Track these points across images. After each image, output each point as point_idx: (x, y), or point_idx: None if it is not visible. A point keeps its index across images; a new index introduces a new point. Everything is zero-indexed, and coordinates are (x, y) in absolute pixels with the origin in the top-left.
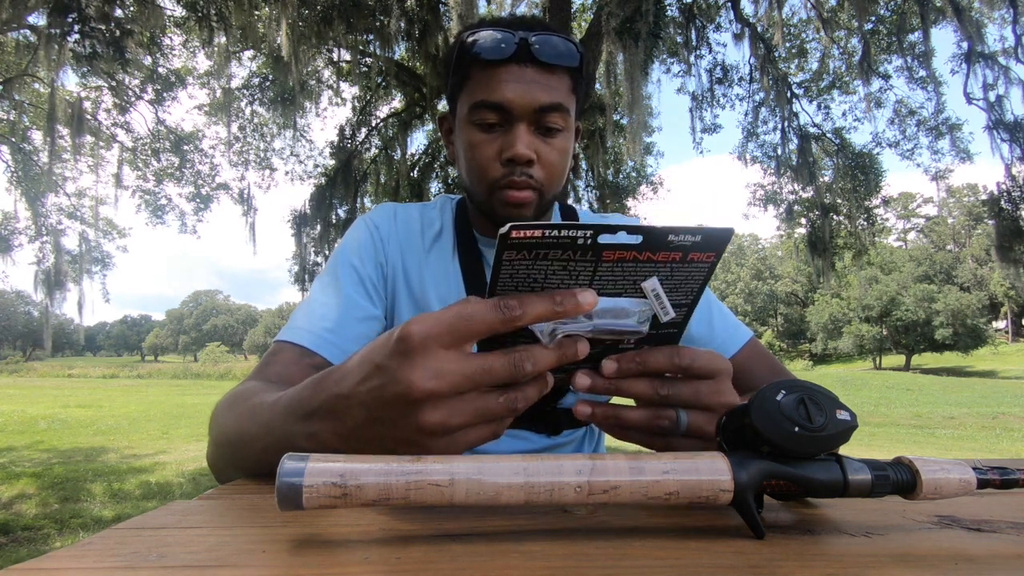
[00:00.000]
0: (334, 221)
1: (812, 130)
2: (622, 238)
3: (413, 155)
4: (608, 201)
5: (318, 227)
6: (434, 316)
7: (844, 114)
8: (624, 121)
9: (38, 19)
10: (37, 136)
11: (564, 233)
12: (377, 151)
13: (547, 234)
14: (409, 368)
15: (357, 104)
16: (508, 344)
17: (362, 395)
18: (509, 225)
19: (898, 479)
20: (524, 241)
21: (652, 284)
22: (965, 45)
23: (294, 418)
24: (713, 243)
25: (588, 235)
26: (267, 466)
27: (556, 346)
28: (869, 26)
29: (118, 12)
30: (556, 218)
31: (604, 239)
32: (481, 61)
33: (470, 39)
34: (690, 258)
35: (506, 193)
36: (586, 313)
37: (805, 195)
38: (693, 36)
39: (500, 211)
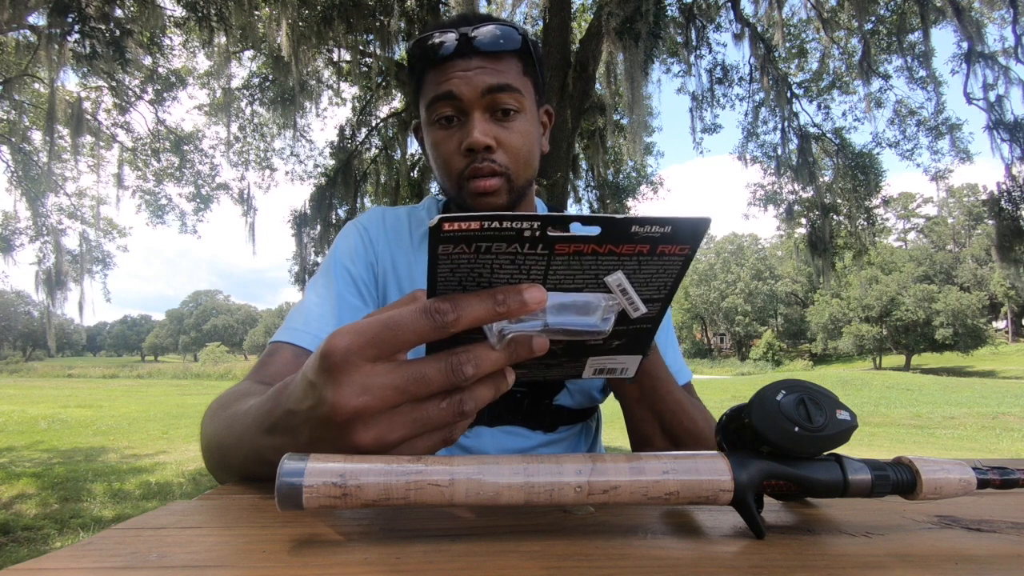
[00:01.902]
0: (334, 221)
1: (812, 130)
2: (578, 230)
3: (413, 155)
4: (608, 201)
5: (318, 227)
6: (357, 328)
7: (844, 114)
8: (624, 121)
9: (38, 19)
10: (37, 136)
11: (507, 224)
12: (377, 151)
13: (486, 226)
14: (334, 387)
15: (357, 104)
16: (462, 342)
17: (304, 414)
18: (439, 217)
19: (898, 479)
20: (460, 234)
21: (617, 278)
22: (965, 45)
23: (259, 431)
24: (687, 234)
25: (535, 226)
26: (248, 473)
27: (507, 344)
28: (869, 26)
29: (118, 12)
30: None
31: (556, 231)
32: (429, 63)
33: (416, 46)
34: (660, 251)
35: (473, 183)
36: (536, 311)
37: (805, 195)
38: (693, 36)
39: (472, 202)
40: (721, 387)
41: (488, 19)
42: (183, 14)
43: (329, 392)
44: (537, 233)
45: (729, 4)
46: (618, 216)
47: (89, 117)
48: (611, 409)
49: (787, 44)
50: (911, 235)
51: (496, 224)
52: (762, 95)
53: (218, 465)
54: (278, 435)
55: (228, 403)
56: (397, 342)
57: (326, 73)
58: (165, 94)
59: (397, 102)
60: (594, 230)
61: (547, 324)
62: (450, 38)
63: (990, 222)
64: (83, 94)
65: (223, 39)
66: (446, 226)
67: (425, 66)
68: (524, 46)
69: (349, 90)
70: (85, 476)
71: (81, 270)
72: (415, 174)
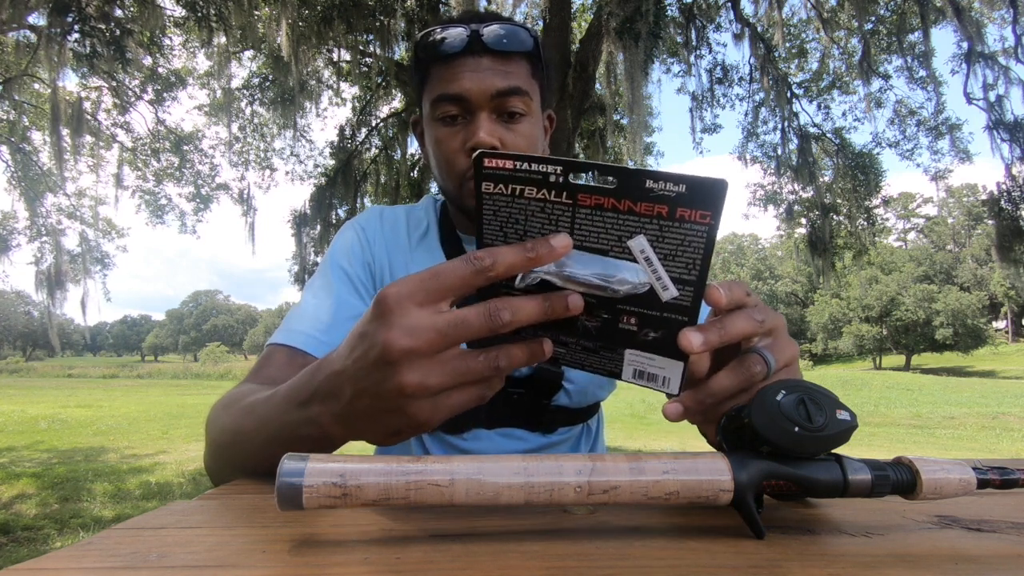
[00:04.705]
0: (334, 221)
1: (812, 130)
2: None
3: (413, 155)
4: None
5: (318, 227)
6: (408, 277)
7: (844, 114)
8: (624, 121)
9: (38, 19)
10: (37, 136)
11: (535, 167)
12: (377, 151)
13: (519, 166)
14: (386, 329)
15: (357, 104)
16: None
17: (350, 368)
18: (479, 152)
19: (898, 479)
20: (498, 171)
21: (640, 244)
22: (965, 45)
23: (293, 406)
24: (705, 198)
25: (559, 171)
26: (269, 460)
27: (543, 299)
28: (869, 26)
29: (118, 12)
30: None
31: (577, 179)
32: (437, 58)
33: (425, 39)
34: (679, 215)
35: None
36: (561, 258)
37: (805, 195)
38: (693, 36)
39: (470, 203)
40: None
41: (499, 18)
42: (183, 14)
43: (381, 334)
44: (560, 179)
45: (729, 4)
46: (632, 168)
47: (89, 117)
48: (612, 409)
49: (787, 44)
50: (911, 235)
51: (527, 166)
52: (762, 95)
53: (232, 456)
54: (316, 403)
55: (237, 399)
56: (442, 287)
57: (326, 73)
58: (165, 94)
59: (397, 102)
60: (611, 183)
61: (561, 269)
62: (461, 34)
63: (990, 222)
64: (83, 94)
65: (223, 39)
66: (486, 162)
67: (432, 60)
68: (535, 48)
69: (349, 90)
70: (85, 476)
71: (83, 270)
72: (415, 174)
